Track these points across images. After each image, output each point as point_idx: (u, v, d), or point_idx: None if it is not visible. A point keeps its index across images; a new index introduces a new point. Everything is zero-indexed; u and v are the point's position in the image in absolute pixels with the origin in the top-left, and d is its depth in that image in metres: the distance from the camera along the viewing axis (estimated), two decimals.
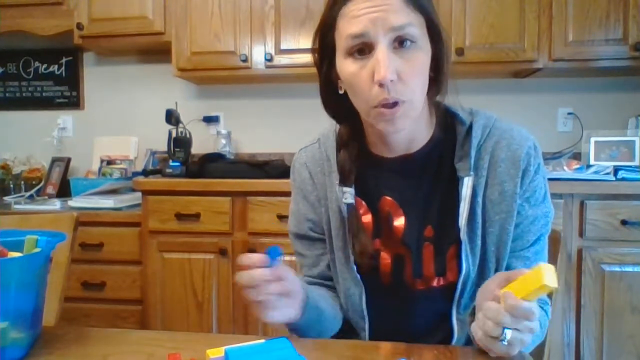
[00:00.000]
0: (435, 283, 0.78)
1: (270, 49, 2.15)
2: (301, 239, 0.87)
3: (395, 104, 0.67)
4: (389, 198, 0.79)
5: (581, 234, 1.75)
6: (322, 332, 0.78)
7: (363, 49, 0.67)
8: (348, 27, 0.67)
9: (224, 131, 2.41)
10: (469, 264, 0.75)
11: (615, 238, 1.73)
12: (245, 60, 2.16)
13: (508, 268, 0.76)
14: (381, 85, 0.65)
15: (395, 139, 0.77)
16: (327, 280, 0.86)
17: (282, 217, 1.86)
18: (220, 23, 2.17)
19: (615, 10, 1.96)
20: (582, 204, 1.74)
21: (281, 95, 2.52)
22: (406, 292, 0.79)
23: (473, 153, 0.74)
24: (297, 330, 0.74)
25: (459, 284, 0.75)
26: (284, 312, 0.67)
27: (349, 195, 0.79)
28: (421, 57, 0.67)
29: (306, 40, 2.13)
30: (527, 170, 0.74)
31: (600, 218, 1.74)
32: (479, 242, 0.75)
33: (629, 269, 1.74)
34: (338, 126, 0.85)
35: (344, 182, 0.80)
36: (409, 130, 0.74)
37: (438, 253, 0.77)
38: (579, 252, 1.76)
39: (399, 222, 0.78)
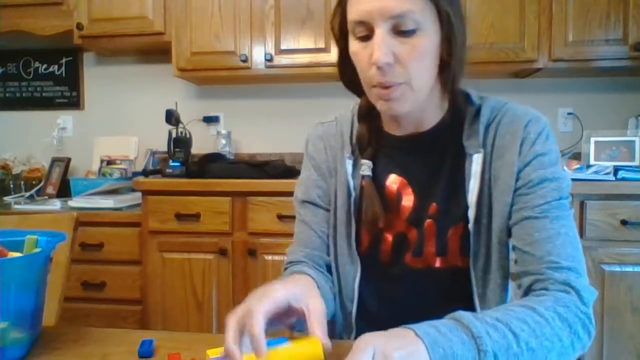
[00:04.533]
0: (437, 264, 0.77)
1: (270, 49, 2.15)
2: (308, 205, 0.86)
3: (392, 85, 0.68)
4: (398, 176, 0.80)
5: (581, 234, 1.74)
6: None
7: (368, 35, 0.68)
8: (351, 12, 0.69)
9: (224, 131, 2.41)
10: (476, 245, 0.74)
11: (615, 238, 1.73)
12: (245, 60, 2.16)
13: (514, 245, 0.72)
14: (378, 67, 0.66)
15: (403, 118, 0.77)
16: (321, 256, 0.84)
17: (282, 217, 1.86)
18: (220, 23, 2.17)
19: (615, 10, 1.96)
20: (582, 204, 1.74)
21: (281, 95, 2.52)
22: (404, 273, 0.79)
23: (482, 130, 0.75)
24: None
25: (470, 264, 0.74)
26: None
27: (366, 167, 0.80)
28: (424, 42, 0.67)
29: (306, 40, 2.13)
30: (526, 138, 0.72)
31: (600, 218, 1.74)
32: (484, 221, 0.74)
33: (629, 269, 1.74)
34: (356, 106, 0.87)
35: (361, 154, 0.81)
36: (415, 112, 0.74)
37: (439, 231, 0.77)
38: None
39: (408, 200, 0.79)
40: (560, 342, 0.59)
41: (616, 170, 1.81)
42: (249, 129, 2.54)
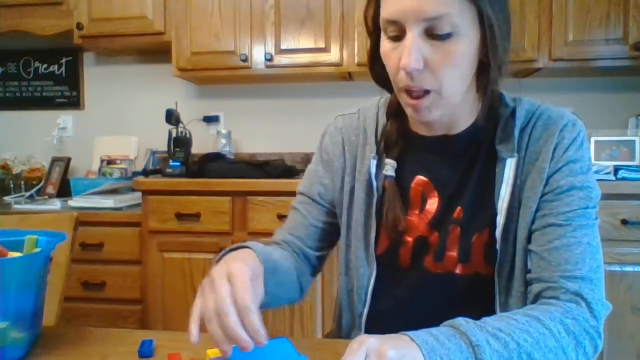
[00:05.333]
0: (458, 270, 0.75)
1: (270, 49, 2.15)
2: (307, 198, 0.86)
3: (420, 94, 0.65)
4: (423, 178, 0.77)
5: None
6: (279, 300, 0.76)
7: (398, 35, 0.65)
8: (384, 8, 0.65)
9: (224, 131, 2.41)
10: (502, 252, 0.71)
11: (615, 238, 1.73)
12: (245, 60, 2.16)
13: (531, 250, 0.69)
14: (406, 72, 0.63)
15: (434, 121, 0.73)
16: (301, 246, 0.84)
17: (282, 217, 1.86)
18: (220, 23, 2.17)
19: (615, 10, 1.96)
20: None
21: (281, 95, 2.52)
22: (423, 277, 0.77)
23: (516, 134, 0.72)
24: None
25: (495, 272, 0.72)
26: None
27: (390, 167, 0.77)
28: (458, 47, 0.62)
29: (306, 40, 2.13)
30: (560, 143, 0.70)
31: (600, 218, 1.73)
32: (512, 228, 0.71)
33: (629, 269, 1.74)
34: (382, 100, 0.84)
35: (386, 154, 0.79)
36: (447, 115, 0.72)
37: (463, 237, 0.74)
38: None
39: (432, 204, 0.76)
40: (565, 355, 0.57)
41: (616, 169, 1.81)
42: (249, 128, 2.54)
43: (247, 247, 0.68)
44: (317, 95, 2.47)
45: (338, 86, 2.42)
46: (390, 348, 0.48)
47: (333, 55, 2.11)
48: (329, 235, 0.87)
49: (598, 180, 1.89)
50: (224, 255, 0.66)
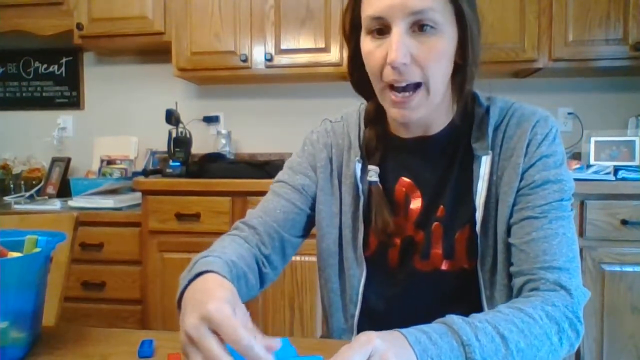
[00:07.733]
0: (444, 266, 0.77)
1: (270, 49, 2.15)
2: (289, 185, 0.84)
3: (406, 88, 0.67)
4: (406, 179, 0.79)
5: (581, 233, 1.74)
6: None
7: (382, 29, 0.66)
8: (368, 7, 0.67)
9: (224, 131, 2.41)
10: (483, 246, 0.74)
11: (615, 238, 1.73)
12: (245, 60, 2.16)
13: (511, 243, 0.71)
14: (393, 67, 0.65)
15: (412, 122, 0.76)
16: (277, 229, 0.80)
17: None
18: (220, 23, 2.17)
19: (615, 10, 1.96)
20: (582, 203, 1.74)
21: (281, 95, 2.52)
22: (411, 276, 0.79)
23: (490, 132, 0.74)
24: None
25: (478, 266, 0.74)
26: None
27: (373, 173, 0.79)
28: (441, 43, 0.66)
29: (306, 40, 2.13)
30: (533, 139, 0.72)
31: (600, 218, 1.74)
32: (491, 223, 0.73)
33: (629, 269, 1.74)
34: (363, 105, 0.85)
35: (368, 160, 0.80)
36: (425, 117, 0.73)
37: (447, 234, 0.76)
38: (579, 251, 1.76)
39: (416, 203, 0.78)
40: (549, 340, 0.59)
41: (616, 170, 1.81)
42: (249, 129, 2.54)
43: (207, 271, 0.62)
44: (317, 95, 2.47)
45: (338, 86, 2.41)
46: (393, 356, 0.48)
47: (333, 55, 2.11)
48: (307, 225, 0.86)
49: (598, 180, 1.88)
50: (185, 288, 0.60)
